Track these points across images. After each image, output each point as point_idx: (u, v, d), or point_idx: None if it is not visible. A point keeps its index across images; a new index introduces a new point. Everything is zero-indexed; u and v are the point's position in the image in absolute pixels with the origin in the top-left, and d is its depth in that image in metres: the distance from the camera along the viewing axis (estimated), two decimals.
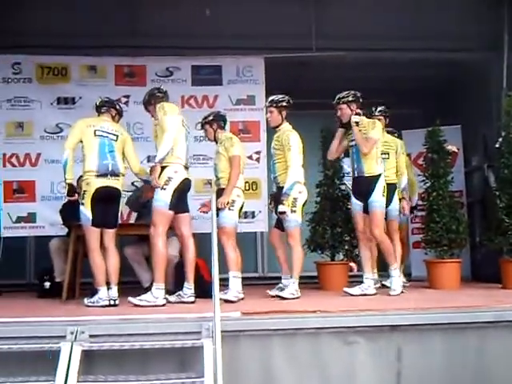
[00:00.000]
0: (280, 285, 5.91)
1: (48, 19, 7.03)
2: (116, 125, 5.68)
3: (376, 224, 5.75)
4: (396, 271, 5.86)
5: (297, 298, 5.60)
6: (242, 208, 5.88)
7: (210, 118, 6.04)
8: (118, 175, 5.45)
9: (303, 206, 5.87)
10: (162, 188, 5.30)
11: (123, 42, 7.34)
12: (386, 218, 6.12)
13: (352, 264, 6.97)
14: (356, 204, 5.90)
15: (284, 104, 5.92)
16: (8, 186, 7.05)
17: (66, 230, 6.52)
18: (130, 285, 6.09)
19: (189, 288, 5.48)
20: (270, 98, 6.01)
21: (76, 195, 5.47)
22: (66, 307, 5.38)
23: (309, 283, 6.27)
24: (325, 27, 7.34)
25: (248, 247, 8.26)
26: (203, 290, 5.49)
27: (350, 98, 5.88)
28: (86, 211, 5.32)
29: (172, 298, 5.45)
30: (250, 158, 7.45)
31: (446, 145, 6.91)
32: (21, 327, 4.26)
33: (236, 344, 4.28)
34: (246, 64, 7.58)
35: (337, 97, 5.93)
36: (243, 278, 5.79)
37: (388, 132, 6.70)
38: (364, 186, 5.81)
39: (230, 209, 5.66)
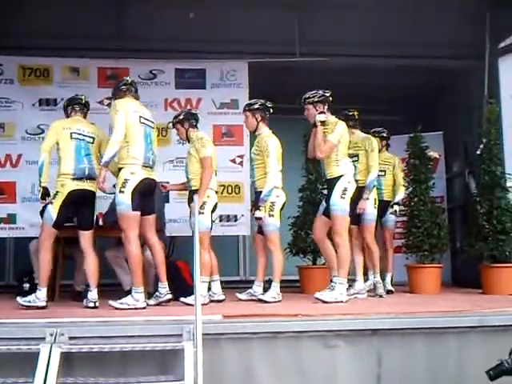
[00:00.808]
0: (250, 290, 5.88)
1: (33, 20, 6.99)
2: (92, 126, 5.62)
3: (335, 230, 5.60)
4: (342, 284, 5.59)
5: (278, 301, 5.61)
6: (214, 209, 5.83)
7: (181, 116, 6.01)
8: (94, 179, 5.39)
9: (281, 209, 5.86)
10: (120, 191, 5.17)
11: (107, 45, 7.32)
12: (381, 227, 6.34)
13: None
14: (321, 205, 5.89)
15: (256, 107, 5.92)
16: None
17: None
18: (112, 287, 6.04)
19: (163, 287, 5.45)
20: (245, 103, 6.02)
21: (47, 198, 5.36)
22: (46, 309, 5.31)
23: (290, 287, 6.27)
24: (308, 33, 7.39)
25: (230, 250, 8.26)
26: (185, 293, 5.48)
27: (316, 99, 5.77)
28: (52, 211, 5.28)
29: (151, 301, 5.43)
30: (234, 161, 7.48)
31: (428, 151, 6.97)
32: (1, 328, 4.21)
33: (217, 347, 4.26)
34: (229, 68, 7.60)
35: (303, 97, 5.85)
36: (225, 282, 5.78)
37: (375, 132, 6.73)
38: (327, 189, 5.82)
39: (200, 212, 5.57)
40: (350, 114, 6.45)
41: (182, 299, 5.44)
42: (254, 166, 5.94)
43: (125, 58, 7.42)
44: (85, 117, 5.68)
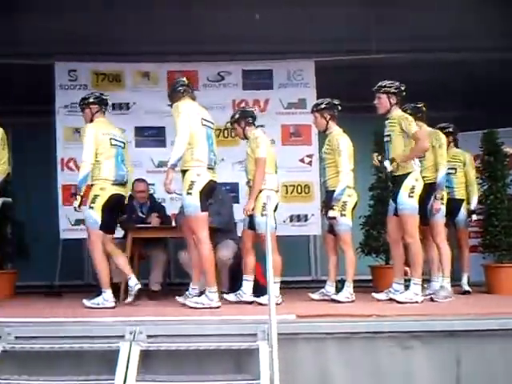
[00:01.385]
0: (322, 290, 5.85)
1: (105, 26, 7.16)
2: (118, 130, 5.80)
3: (405, 230, 5.48)
4: (417, 285, 5.49)
5: (351, 301, 5.56)
6: (276, 209, 5.76)
7: (236, 116, 5.94)
8: (127, 183, 5.62)
9: (353, 209, 5.82)
10: (188, 193, 5.21)
11: (176, 49, 7.44)
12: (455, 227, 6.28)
13: (406, 268, 6.85)
14: (390, 205, 5.76)
15: (323, 106, 5.87)
16: (66, 189, 7.21)
17: (123, 232, 6.62)
18: (183, 287, 6.12)
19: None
20: (312, 104, 5.99)
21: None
22: (124, 308, 5.45)
23: (363, 287, 6.20)
24: (377, 29, 7.27)
25: (301, 250, 8.23)
26: (258, 293, 5.53)
27: (392, 90, 5.63)
28: (94, 215, 5.39)
29: (231, 297, 5.50)
30: (302, 161, 7.47)
31: (504, 147, 6.74)
32: (82, 327, 4.37)
33: (291, 347, 4.26)
34: (296, 68, 7.59)
35: (378, 84, 5.69)
36: (296, 282, 5.77)
37: (441, 128, 6.53)
38: (393, 186, 5.70)
39: (262, 214, 5.51)
40: (419, 106, 6.23)
41: (255, 299, 5.47)
42: (325, 165, 5.89)
43: (193, 61, 7.51)
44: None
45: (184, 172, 5.27)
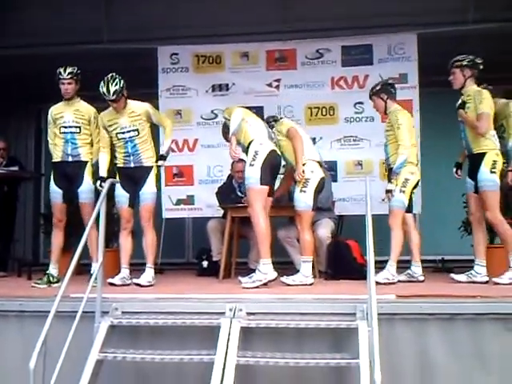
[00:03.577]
0: (409, 271, 5.63)
1: (201, 9, 7.28)
2: None
3: (488, 207, 5.22)
4: None
5: (391, 283, 5.34)
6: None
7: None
8: None
9: (414, 187, 5.61)
10: (250, 164, 5.27)
11: (273, 28, 7.41)
12: None
13: None
14: (467, 182, 5.49)
15: (464, 63, 5.41)
16: (168, 170, 7.42)
17: (222, 211, 6.77)
18: (285, 265, 6.17)
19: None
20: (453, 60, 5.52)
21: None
22: (224, 285, 5.59)
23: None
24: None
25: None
26: (356, 272, 5.49)
27: (465, 63, 5.37)
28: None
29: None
30: None
31: None
32: (184, 303, 4.52)
33: (390, 327, 4.22)
34: (397, 41, 7.34)
35: (451, 60, 5.44)
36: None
37: None
38: (472, 164, 5.42)
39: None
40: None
41: (283, 279, 5.35)
42: (386, 143, 5.69)
43: (292, 40, 7.49)
44: None
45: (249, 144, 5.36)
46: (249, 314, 4.28)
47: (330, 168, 7.09)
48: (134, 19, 7.34)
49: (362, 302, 4.18)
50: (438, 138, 7.39)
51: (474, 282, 5.30)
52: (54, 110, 5.74)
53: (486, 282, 5.29)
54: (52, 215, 5.81)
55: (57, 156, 5.71)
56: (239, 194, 6.69)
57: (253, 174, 5.25)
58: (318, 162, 5.70)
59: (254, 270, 6.18)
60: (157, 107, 7.23)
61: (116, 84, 5.40)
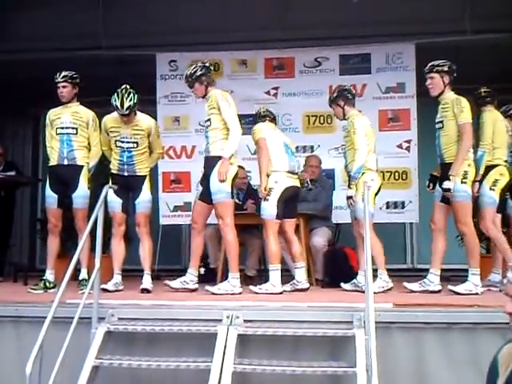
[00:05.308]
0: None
1: (199, 17, 7.29)
2: None
3: (458, 218, 5.12)
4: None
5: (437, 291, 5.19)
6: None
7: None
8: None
9: (376, 194, 5.51)
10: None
11: (272, 36, 7.44)
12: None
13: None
14: (436, 190, 5.37)
15: (445, 69, 5.31)
16: (166, 176, 7.44)
17: None
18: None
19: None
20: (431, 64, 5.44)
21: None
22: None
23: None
24: (476, 8, 6.96)
25: (397, 238, 8.09)
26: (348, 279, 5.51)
27: (446, 68, 5.27)
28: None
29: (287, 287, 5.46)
30: (400, 146, 7.30)
31: None
32: (181, 310, 4.52)
33: (387, 336, 4.22)
34: (395, 51, 7.39)
35: (429, 64, 5.35)
36: (391, 270, 5.60)
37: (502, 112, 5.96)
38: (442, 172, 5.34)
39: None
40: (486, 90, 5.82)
41: (251, 287, 5.41)
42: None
43: (290, 48, 7.51)
44: None
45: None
46: (246, 321, 4.28)
47: (328, 176, 7.11)
48: (132, 26, 7.35)
49: (359, 310, 4.17)
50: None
51: (426, 291, 5.16)
52: (52, 113, 5.75)
53: (439, 291, 5.18)
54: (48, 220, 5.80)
55: (53, 159, 5.70)
56: (237, 201, 6.68)
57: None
58: (289, 171, 5.62)
59: (251, 278, 6.20)
60: (155, 114, 7.29)
61: (131, 100, 5.38)
